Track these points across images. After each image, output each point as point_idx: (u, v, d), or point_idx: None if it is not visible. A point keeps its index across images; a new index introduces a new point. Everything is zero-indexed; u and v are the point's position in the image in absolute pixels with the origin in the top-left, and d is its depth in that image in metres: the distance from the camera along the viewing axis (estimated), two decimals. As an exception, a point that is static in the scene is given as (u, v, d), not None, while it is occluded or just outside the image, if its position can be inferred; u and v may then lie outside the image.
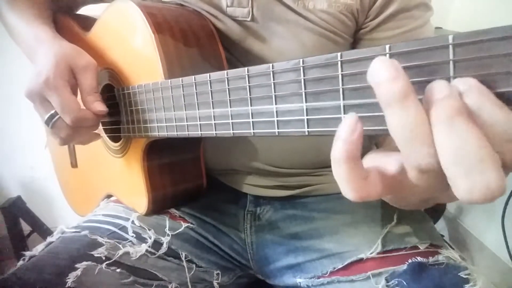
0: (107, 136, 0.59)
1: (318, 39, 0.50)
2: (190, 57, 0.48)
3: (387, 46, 0.22)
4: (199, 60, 0.49)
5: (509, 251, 1.07)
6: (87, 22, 0.62)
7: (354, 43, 0.54)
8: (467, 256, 1.25)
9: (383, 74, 0.20)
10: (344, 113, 0.25)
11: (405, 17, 0.49)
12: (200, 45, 0.49)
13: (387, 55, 0.22)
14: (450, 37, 0.20)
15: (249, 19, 0.50)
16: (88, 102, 0.48)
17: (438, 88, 0.19)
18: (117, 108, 0.53)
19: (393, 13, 0.49)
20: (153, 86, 0.44)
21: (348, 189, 0.23)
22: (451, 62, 0.20)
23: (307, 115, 0.28)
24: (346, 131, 0.22)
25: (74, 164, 0.71)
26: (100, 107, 0.48)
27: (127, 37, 0.51)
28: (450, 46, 0.20)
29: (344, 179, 0.22)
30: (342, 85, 0.25)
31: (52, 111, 0.47)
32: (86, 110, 0.48)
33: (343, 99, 0.25)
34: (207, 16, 0.52)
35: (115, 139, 0.58)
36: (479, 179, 0.18)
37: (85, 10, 0.70)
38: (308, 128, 0.28)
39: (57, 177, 0.82)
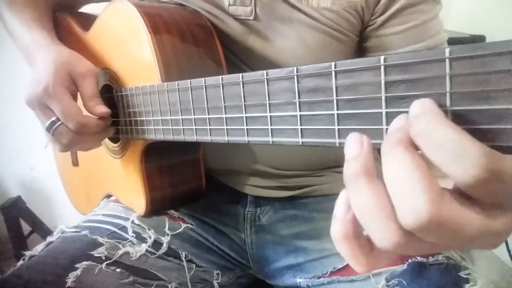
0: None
1: (322, 38, 0.50)
2: (187, 59, 0.48)
3: (382, 58, 0.22)
4: (197, 62, 0.48)
5: (509, 251, 1.07)
6: (87, 21, 0.62)
7: (362, 41, 0.53)
8: (467, 256, 1.25)
9: (348, 151, 0.21)
10: (338, 124, 0.25)
11: (413, 11, 0.48)
12: (198, 46, 0.49)
13: (382, 67, 0.22)
14: (447, 51, 0.19)
15: (251, 18, 0.50)
16: (90, 107, 0.48)
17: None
18: (116, 109, 0.53)
19: (401, 8, 0.48)
20: (150, 89, 0.44)
21: (353, 264, 0.22)
22: (447, 77, 0.20)
23: (301, 125, 0.28)
24: (340, 211, 0.22)
25: (75, 163, 0.71)
26: (102, 109, 0.48)
27: (125, 38, 0.51)
28: (447, 60, 0.19)
29: (347, 256, 0.22)
30: (336, 95, 0.25)
31: (53, 118, 0.47)
32: (89, 116, 0.48)
33: (337, 110, 0.25)
34: (208, 15, 0.52)
35: (114, 140, 0.58)
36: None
37: (87, 8, 0.70)
38: (302, 138, 0.28)
39: (59, 175, 0.82)
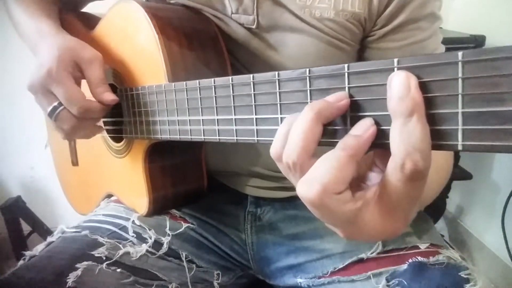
0: (109, 136, 0.59)
1: (324, 47, 0.49)
2: (194, 60, 0.48)
3: (396, 60, 0.22)
4: (203, 63, 0.48)
5: (509, 251, 1.07)
6: (91, 21, 0.62)
7: (361, 50, 0.53)
8: (467, 256, 1.25)
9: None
10: (350, 125, 0.25)
11: (412, 28, 0.48)
12: (205, 47, 0.49)
13: (395, 68, 0.22)
14: (460, 54, 0.20)
15: (254, 26, 0.49)
16: (97, 93, 0.48)
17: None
18: (120, 109, 0.53)
19: (401, 23, 0.48)
20: (157, 88, 0.43)
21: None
22: (459, 80, 0.20)
23: None
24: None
25: (75, 163, 0.71)
26: (110, 96, 0.48)
27: (131, 37, 0.51)
28: (460, 63, 0.20)
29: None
30: (349, 97, 0.25)
31: (55, 103, 0.46)
32: (92, 100, 0.48)
33: (350, 111, 0.25)
34: (212, 18, 0.52)
35: (117, 139, 0.58)
36: None
37: (90, 8, 0.70)
38: None
39: (57, 175, 0.82)
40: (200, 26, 0.50)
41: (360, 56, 0.53)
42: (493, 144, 0.19)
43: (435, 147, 0.22)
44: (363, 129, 0.24)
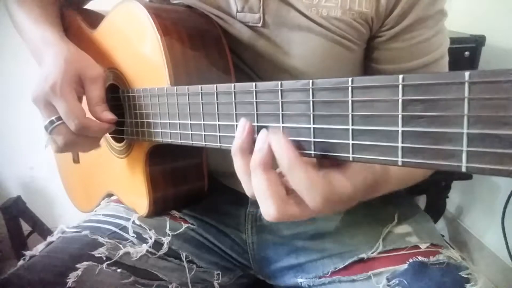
0: (110, 136, 0.59)
1: (331, 46, 0.49)
2: (196, 62, 0.47)
3: (401, 77, 0.22)
4: (205, 66, 0.48)
5: (509, 251, 1.07)
6: (94, 19, 0.61)
7: (369, 50, 0.53)
8: (467, 256, 1.25)
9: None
10: (353, 139, 0.26)
11: (420, 27, 0.48)
12: (207, 50, 0.49)
13: (400, 85, 0.22)
14: (467, 74, 0.20)
15: (260, 25, 0.49)
16: (96, 112, 0.48)
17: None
18: (121, 110, 0.53)
19: (411, 23, 0.48)
20: (159, 91, 0.43)
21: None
22: (466, 100, 0.20)
23: (314, 138, 0.28)
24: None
25: (76, 160, 0.71)
26: (109, 115, 0.49)
27: (134, 38, 0.50)
28: (466, 83, 0.20)
29: (236, 166, 0.31)
30: (352, 111, 0.25)
31: (53, 117, 0.47)
32: (91, 118, 0.48)
33: (352, 125, 0.25)
34: (216, 19, 0.51)
35: (118, 140, 0.57)
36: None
37: (93, 5, 0.70)
38: (314, 151, 0.28)
39: (58, 173, 0.81)
40: (203, 27, 0.50)
41: (367, 56, 0.53)
42: (497, 168, 0.19)
43: (438, 167, 0.22)
44: (261, 141, 0.29)
